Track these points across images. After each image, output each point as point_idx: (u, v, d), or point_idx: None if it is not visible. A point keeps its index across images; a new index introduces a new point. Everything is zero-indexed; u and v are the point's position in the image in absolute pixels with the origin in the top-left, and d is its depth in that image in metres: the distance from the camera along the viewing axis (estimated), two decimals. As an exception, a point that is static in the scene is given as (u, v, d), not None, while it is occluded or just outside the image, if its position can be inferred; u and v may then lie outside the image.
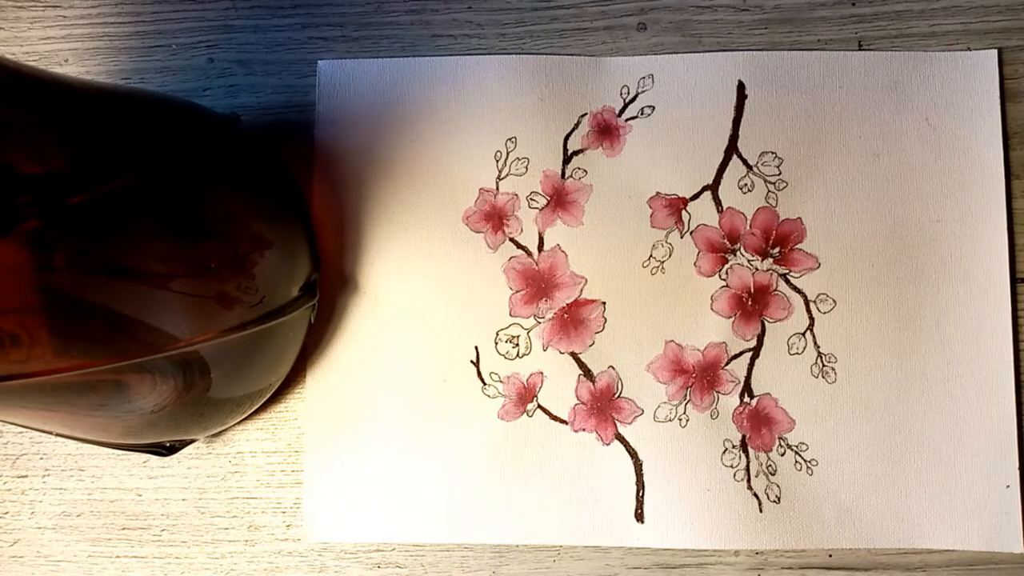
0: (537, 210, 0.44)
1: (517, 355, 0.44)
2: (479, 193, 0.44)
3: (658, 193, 0.44)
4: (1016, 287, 0.42)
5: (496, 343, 0.44)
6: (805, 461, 0.42)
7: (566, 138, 0.44)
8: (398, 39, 0.45)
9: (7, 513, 0.45)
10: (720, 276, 0.43)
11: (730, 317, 0.43)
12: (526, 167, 0.44)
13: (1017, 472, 0.41)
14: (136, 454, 0.44)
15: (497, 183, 0.44)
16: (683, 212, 0.44)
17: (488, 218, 0.44)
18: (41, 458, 0.45)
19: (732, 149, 0.44)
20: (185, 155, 0.34)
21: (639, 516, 0.42)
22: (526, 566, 0.43)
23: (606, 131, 0.44)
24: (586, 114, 0.44)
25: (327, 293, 0.44)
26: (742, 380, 0.43)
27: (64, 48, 0.46)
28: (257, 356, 0.38)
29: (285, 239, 0.38)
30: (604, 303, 0.44)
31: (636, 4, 0.45)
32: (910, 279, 0.43)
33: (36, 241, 0.28)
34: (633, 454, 0.43)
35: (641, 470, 0.43)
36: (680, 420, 0.43)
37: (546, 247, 0.44)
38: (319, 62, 0.45)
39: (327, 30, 0.46)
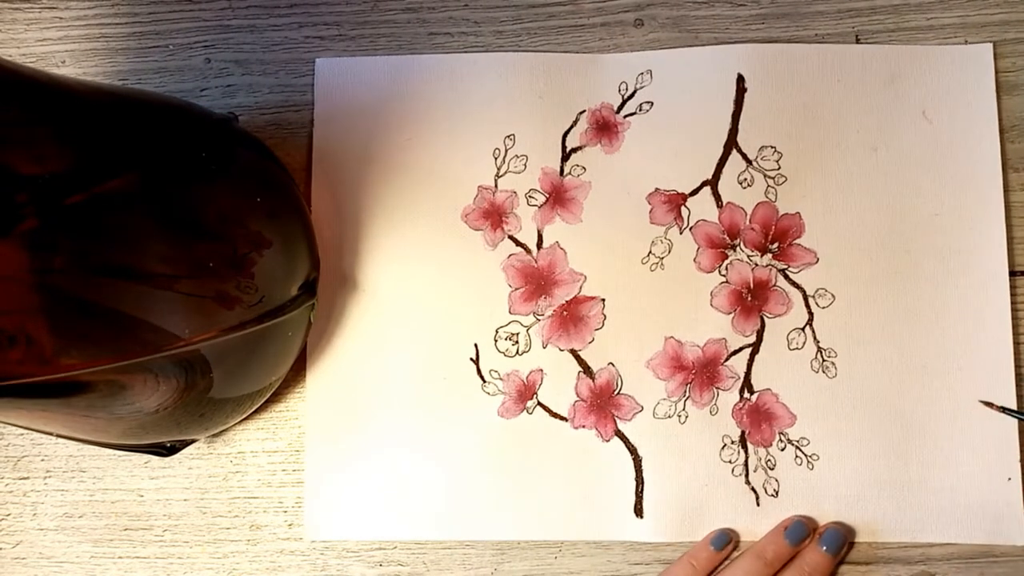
0: (536, 207, 0.44)
1: (517, 352, 0.44)
2: (478, 191, 0.44)
3: (657, 189, 0.44)
4: (1014, 279, 0.42)
5: (496, 340, 0.44)
6: (806, 456, 0.42)
7: (564, 135, 0.44)
8: (395, 37, 0.45)
9: (9, 515, 0.45)
10: (720, 272, 0.43)
11: (730, 313, 0.43)
12: (525, 164, 0.44)
13: (1018, 465, 0.41)
14: (137, 455, 0.44)
15: (496, 180, 0.44)
16: (682, 208, 0.44)
17: (487, 216, 0.44)
18: (42, 460, 0.45)
19: (731, 143, 0.44)
20: (183, 155, 0.34)
21: (638, 511, 0.42)
22: (527, 563, 0.43)
23: (604, 128, 0.44)
24: (584, 111, 0.44)
25: (326, 292, 0.44)
26: (742, 376, 0.43)
27: (61, 49, 0.46)
28: (257, 355, 0.38)
29: (284, 238, 0.38)
30: (603, 300, 0.44)
31: (633, 0, 0.45)
32: (908, 272, 0.43)
33: (35, 241, 0.28)
34: (632, 450, 0.43)
35: (640, 466, 0.43)
36: (679, 416, 0.43)
37: (545, 244, 0.44)
38: (316, 61, 0.45)
39: (324, 29, 0.46)
